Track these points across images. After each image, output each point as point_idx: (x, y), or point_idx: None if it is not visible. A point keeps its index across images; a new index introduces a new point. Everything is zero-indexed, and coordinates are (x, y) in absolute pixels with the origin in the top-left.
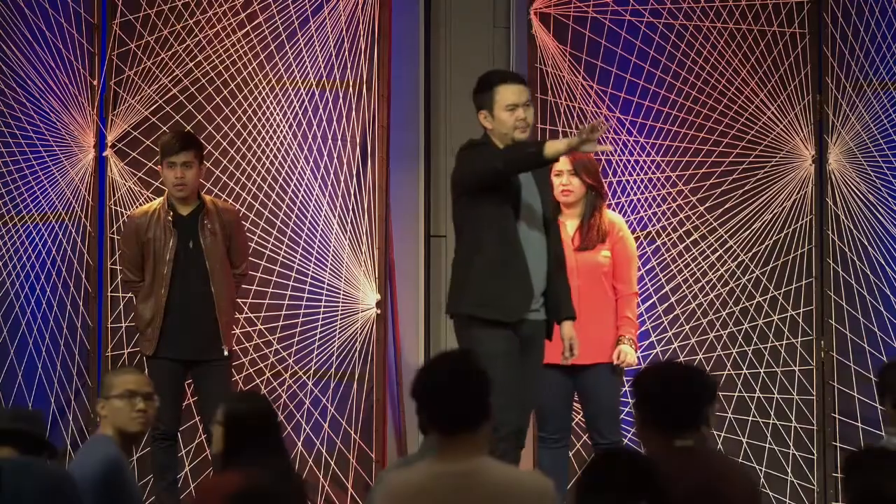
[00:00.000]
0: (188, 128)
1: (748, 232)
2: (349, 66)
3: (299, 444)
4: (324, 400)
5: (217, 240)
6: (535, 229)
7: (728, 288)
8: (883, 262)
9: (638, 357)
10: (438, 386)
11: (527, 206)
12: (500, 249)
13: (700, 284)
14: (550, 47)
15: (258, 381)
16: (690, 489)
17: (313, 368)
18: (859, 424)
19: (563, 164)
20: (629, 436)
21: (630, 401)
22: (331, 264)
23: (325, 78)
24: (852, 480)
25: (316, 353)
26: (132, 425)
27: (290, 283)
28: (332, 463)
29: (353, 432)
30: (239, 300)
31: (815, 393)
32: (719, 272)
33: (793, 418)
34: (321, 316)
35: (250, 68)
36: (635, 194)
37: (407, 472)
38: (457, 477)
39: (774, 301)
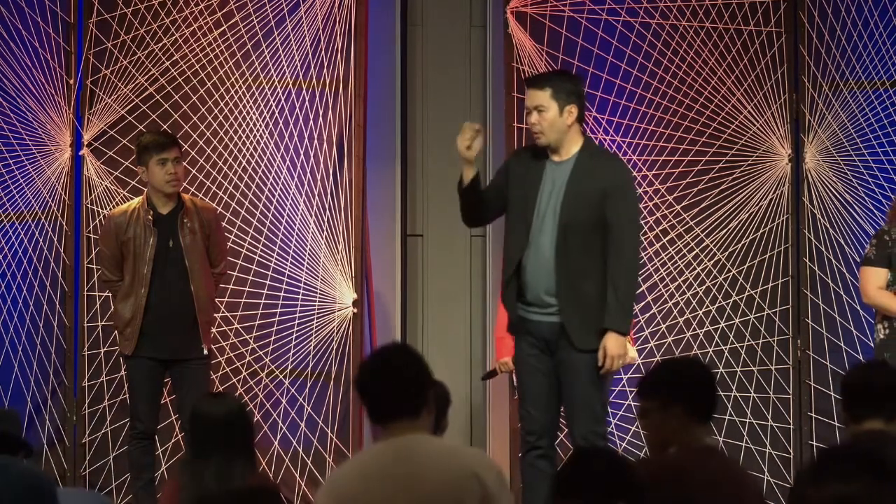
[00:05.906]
0: (164, 127)
1: (725, 231)
2: (325, 65)
3: (276, 443)
4: (300, 399)
5: (197, 238)
6: (543, 233)
7: (704, 287)
8: (859, 261)
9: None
10: (368, 380)
11: (541, 212)
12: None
13: (677, 283)
14: (527, 46)
15: (234, 380)
16: (723, 493)
17: (290, 368)
18: (835, 423)
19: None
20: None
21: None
22: (307, 263)
23: (301, 77)
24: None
25: (292, 352)
26: None
27: (267, 283)
28: (309, 462)
29: (329, 432)
30: (216, 299)
31: (791, 392)
32: (696, 271)
33: (769, 417)
34: (298, 315)
35: (227, 67)
36: None
37: (350, 459)
38: (395, 448)
39: (751, 300)
